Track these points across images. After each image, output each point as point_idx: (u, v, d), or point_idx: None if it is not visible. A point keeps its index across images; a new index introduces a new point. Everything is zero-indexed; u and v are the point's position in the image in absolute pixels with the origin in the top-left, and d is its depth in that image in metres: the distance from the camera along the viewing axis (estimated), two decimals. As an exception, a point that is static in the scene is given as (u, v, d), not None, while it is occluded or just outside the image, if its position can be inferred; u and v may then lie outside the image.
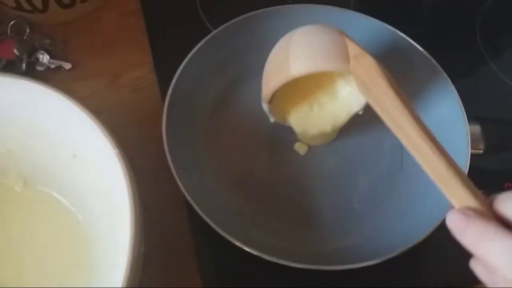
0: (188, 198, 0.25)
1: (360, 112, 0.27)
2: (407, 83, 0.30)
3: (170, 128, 0.28)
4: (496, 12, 0.39)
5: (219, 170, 0.30)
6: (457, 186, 0.19)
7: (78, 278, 0.24)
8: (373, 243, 0.27)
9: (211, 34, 0.31)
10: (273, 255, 0.24)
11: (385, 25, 0.32)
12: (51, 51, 0.33)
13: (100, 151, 0.22)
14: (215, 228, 0.25)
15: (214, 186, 0.29)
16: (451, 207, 0.19)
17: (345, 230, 0.29)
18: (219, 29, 0.31)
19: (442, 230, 0.24)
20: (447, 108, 0.30)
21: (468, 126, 0.28)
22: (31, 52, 0.33)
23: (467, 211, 0.18)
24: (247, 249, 0.24)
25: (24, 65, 0.33)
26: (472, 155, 0.28)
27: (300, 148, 0.31)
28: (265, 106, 0.27)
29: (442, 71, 0.30)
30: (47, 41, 0.34)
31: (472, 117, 0.29)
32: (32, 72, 0.33)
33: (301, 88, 0.27)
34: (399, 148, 0.21)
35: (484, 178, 0.31)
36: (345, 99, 0.28)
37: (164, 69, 0.33)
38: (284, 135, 0.31)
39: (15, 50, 0.33)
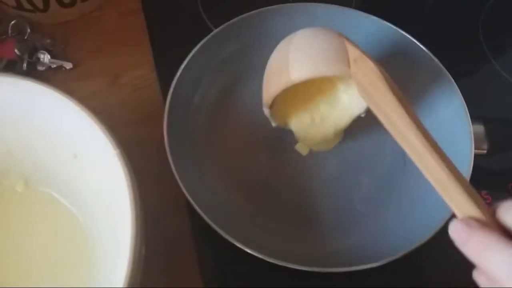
0: (189, 198, 0.25)
1: (362, 115, 0.27)
2: (410, 83, 0.30)
3: (171, 128, 0.27)
4: (499, 10, 0.39)
5: (220, 170, 0.30)
6: (459, 194, 0.18)
7: (78, 278, 0.24)
8: (374, 244, 0.27)
9: (212, 33, 0.31)
10: (274, 257, 0.24)
11: (388, 24, 0.32)
12: (52, 51, 0.33)
13: (101, 151, 0.21)
14: (216, 229, 0.24)
15: (215, 186, 0.29)
16: (453, 214, 0.19)
17: (346, 231, 0.28)
18: (220, 28, 0.31)
19: (442, 231, 0.24)
20: (451, 108, 0.29)
21: (471, 126, 0.28)
22: (32, 52, 0.33)
23: (469, 221, 0.17)
24: (247, 250, 0.24)
25: (25, 65, 0.33)
26: (475, 155, 0.27)
27: (301, 149, 0.31)
28: (266, 111, 0.27)
29: (446, 71, 0.30)
30: (48, 40, 0.34)
31: (475, 117, 0.29)
32: (33, 72, 0.33)
33: (302, 92, 0.27)
34: (401, 149, 0.21)
35: (488, 178, 0.31)
36: (346, 103, 0.28)
37: (165, 68, 0.33)
38: (285, 135, 0.31)
39: (16, 50, 0.33)
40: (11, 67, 0.33)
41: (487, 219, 0.18)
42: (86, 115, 0.22)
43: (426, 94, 0.31)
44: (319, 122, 0.29)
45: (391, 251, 0.25)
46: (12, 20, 0.33)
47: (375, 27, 0.32)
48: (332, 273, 0.24)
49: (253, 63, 0.31)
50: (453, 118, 0.29)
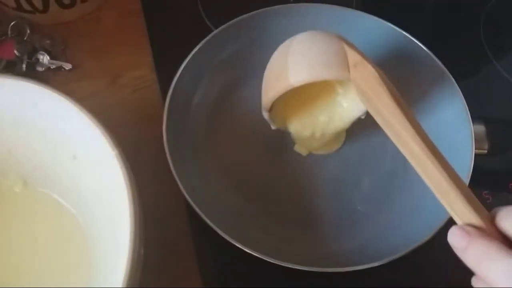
0: (188, 198, 0.25)
1: (362, 117, 0.27)
2: (411, 83, 0.30)
3: (170, 129, 0.27)
4: (501, 11, 0.38)
5: (219, 170, 0.30)
6: (458, 201, 0.18)
7: (78, 278, 0.24)
8: (375, 244, 0.27)
9: (212, 33, 0.31)
10: (274, 257, 0.24)
11: (389, 24, 0.32)
12: (51, 52, 0.33)
13: (100, 152, 0.21)
14: (215, 229, 0.24)
15: (215, 186, 0.29)
16: (451, 220, 0.19)
17: (346, 231, 0.28)
18: (220, 28, 0.31)
19: (442, 232, 0.24)
20: (452, 108, 0.29)
21: (472, 126, 0.28)
22: (31, 53, 0.33)
23: (469, 228, 0.17)
24: (247, 250, 0.24)
25: (24, 65, 0.33)
26: (476, 155, 0.27)
27: (301, 149, 0.31)
28: (265, 115, 0.27)
29: (447, 71, 0.30)
30: (47, 41, 0.34)
31: (476, 117, 0.29)
32: (32, 73, 0.33)
33: (302, 95, 0.27)
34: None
35: (489, 178, 0.31)
36: (345, 106, 0.28)
37: (164, 69, 0.33)
38: (285, 135, 0.31)
39: (15, 51, 0.33)
40: (11, 68, 0.33)
41: (487, 226, 0.17)
42: (85, 116, 0.22)
43: (427, 94, 0.31)
44: (318, 117, 0.29)
45: (391, 251, 0.25)
46: (12, 21, 0.33)
47: (376, 28, 0.32)
48: (332, 273, 0.24)
49: (253, 63, 0.31)
50: (454, 118, 0.29)
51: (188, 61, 0.30)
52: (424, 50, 0.31)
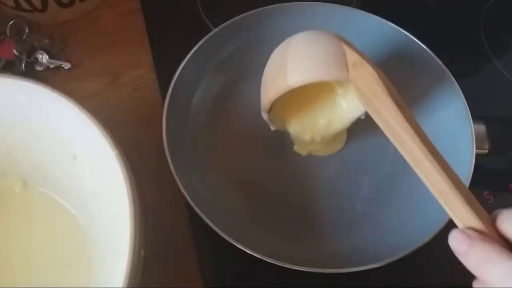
0: (188, 198, 0.25)
1: (362, 117, 0.27)
2: (411, 83, 0.30)
3: (170, 128, 0.27)
4: (501, 9, 0.38)
5: (219, 170, 0.30)
6: (459, 203, 0.18)
7: (78, 279, 0.24)
8: (375, 245, 0.27)
9: (211, 33, 0.31)
10: (274, 257, 0.24)
11: (389, 23, 0.31)
12: (50, 51, 0.33)
13: (100, 152, 0.21)
14: (216, 230, 0.24)
15: (215, 186, 0.29)
16: (451, 221, 0.19)
17: (346, 231, 0.28)
18: (219, 27, 0.31)
19: (442, 232, 0.24)
20: (452, 108, 0.29)
21: (472, 125, 0.28)
22: (30, 52, 0.33)
23: (469, 231, 0.17)
24: (247, 250, 0.24)
25: (23, 65, 0.33)
26: (477, 155, 0.27)
27: (300, 150, 0.31)
28: (264, 116, 0.27)
29: (447, 71, 0.30)
30: (46, 41, 0.34)
31: (476, 117, 0.29)
32: (31, 72, 0.33)
33: (301, 95, 0.27)
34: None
35: (489, 178, 0.31)
36: (344, 107, 0.28)
37: (164, 68, 0.33)
38: (285, 135, 0.30)
39: (14, 50, 0.32)
40: (10, 67, 0.33)
41: (488, 229, 0.17)
42: (84, 116, 0.22)
43: (427, 93, 0.31)
44: (317, 117, 0.29)
45: (392, 252, 0.24)
46: (11, 20, 0.33)
47: (376, 27, 0.32)
48: (331, 273, 0.24)
49: (252, 62, 0.31)
50: (454, 118, 0.29)
51: (188, 60, 0.30)
52: (424, 49, 0.31)
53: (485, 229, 0.17)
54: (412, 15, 0.38)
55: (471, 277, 0.17)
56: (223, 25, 0.31)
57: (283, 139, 0.31)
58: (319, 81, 0.23)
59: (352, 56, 0.23)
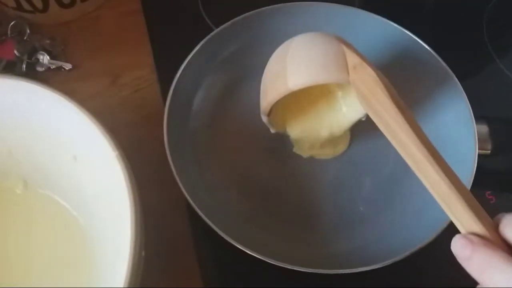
0: (189, 199, 0.25)
1: (363, 119, 0.27)
2: (413, 83, 0.30)
3: (171, 129, 0.27)
4: (504, 9, 0.38)
5: (220, 171, 0.30)
6: (461, 208, 0.18)
7: (78, 280, 0.24)
8: (376, 246, 0.27)
9: (213, 33, 0.31)
10: (275, 258, 0.24)
11: (391, 23, 0.31)
12: (52, 52, 0.33)
13: (101, 153, 0.21)
14: (216, 230, 0.24)
15: (215, 187, 0.29)
16: (452, 223, 0.18)
17: (347, 232, 0.28)
18: (220, 28, 0.31)
19: (443, 234, 0.24)
20: (455, 109, 0.29)
21: (475, 126, 0.28)
22: (31, 53, 0.33)
23: (472, 237, 0.17)
24: (247, 251, 0.24)
25: (24, 65, 0.33)
26: (479, 155, 0.27)
27: (300, 151, 0.31)
28: (264, 119, 0.27)
29: (450, 71, 0.29)
30: (48, 41, 0.34)
31: (479, 117, 0.29)
32: (32, 73, 0.33)
33: (301, 97, 0.27)
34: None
35: (492, 179, 0.31)
36: (345, 108, 0.28)
37: (165, 69, 0.33)
38: (286, 136, 0.30)
39: (15, 51, 0.32)
40: (11, 68, 0.33)
41: (490, 234, 0.17)
42: (85, 116, 0.22)
43: (429, 93, 0.30)
44: (317, 119, 0.28)
45: (392, 253, 0.24)
46: (12, 21, 0.33)
47: (378, 27, 0.31)
48: (332, 274, 0.24)
49: (254, 63, 0.31)
50: (457, 118, 0.29)
51: (189, 60, 0.30)
52: (427, 49, 0.30)
53: (487, 234, 0.17)
54: (415, 15, 0.38)
55: (471, 278, 0.17)
56: (224, 25, 0.31)
57: (284, 140, 0.31)
58: (319, 84, 0.23)
59: (352, 58, 0.22)
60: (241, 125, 0.31)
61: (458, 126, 0.29)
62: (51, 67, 0.33)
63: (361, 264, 0.24)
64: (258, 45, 0.31)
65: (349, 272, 0.24)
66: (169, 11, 0.37)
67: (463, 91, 0.29)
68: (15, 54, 0.32)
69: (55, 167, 0.25)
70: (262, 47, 0.29)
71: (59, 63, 0.33)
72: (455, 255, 0.17)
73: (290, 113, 0.29)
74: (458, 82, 0.29)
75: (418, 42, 0.31)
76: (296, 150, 0.31)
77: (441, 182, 0.19)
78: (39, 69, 0.33)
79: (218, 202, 0.28)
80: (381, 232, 0.28)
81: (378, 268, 0.24)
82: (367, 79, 0.22)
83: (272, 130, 0.28)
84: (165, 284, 0.26)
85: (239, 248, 0.24)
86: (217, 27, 0.31)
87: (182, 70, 0.29)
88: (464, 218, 0.18)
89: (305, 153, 0.31)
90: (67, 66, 0.33)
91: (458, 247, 0.17)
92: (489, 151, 0.30)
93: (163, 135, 0.27)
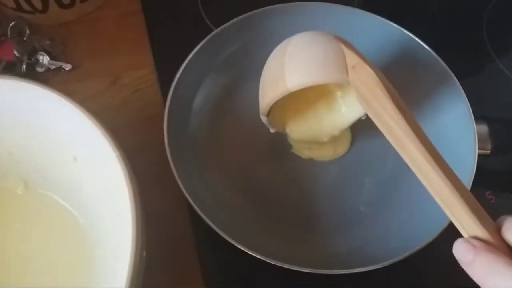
0: (190, 199, 0.25)
1: (363, 118, 0.27)
2: (413, 83, 0.30)
3: (171, 129, 0.27)
4: (503, 9, 0.38)
5: (220, 171, 0.30)
6: (462, 210, 0.18)
7: (79, 281, 0.24)
8: (376, 246, 0.27)
9: (213, 33, 0.31)
10: (275, 258, 0.24)
11: (391, 23, 0.31)
12: (51, 52, 0.33)
13: (101, 153, 0.21)
14: (217, 231, 0.24)
15: (216, 187, 0.29)
16: (452, 224, 0.18)
17: (347, 233, 0.28)
18: (220, 28, 0.31)
19: (443, 235, 0.24)
20: (455, 109, 0.29)
21: (475, 126, 0.28)
22: (31, 53, 0.33)
23: (474, 241, 0.17)
24: (248, 251, 0.24)
25: (24, 66, 0.33)
26: (479, 155, 0.27)
27: (299, 152, 0.31)
28: (263, 119, 0.27)
29: (450, 71, 0.29)
30: (47, 42, 0.34)
31: (479, 117, 0.29)
32: (32, 74, 0.33)
33: (300, 97, 0.27)
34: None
35: (491, 179, 0.31)
36: (344, 108, 0.27)
37: (165, 69, 0.33)
38: (286, 137, 0.30)
39: (15, 51, 0.32)
40: (10, 69, 0.33)
41: (493, 237, 0.17)
42: (85, 117, 0.22)
43: (429, 94, 0.30)
44: (316, 119, 0.28)
45: (392, 254, 0.24)
46: (11, 22, 0.33)
47: (378, 27, 0.31)
48: (332, 274, 0.24)
49: (254, 63, 0.30)
50: (456, 118, 0.29)
51: (189, 61, 0.30)
52: (427, 49, 0.30)
53: (490, 238, 0.17)
54: (414, 15, 0.38)
55: (470, 280, 0.17)
56: (224, 25, 0.31)
57: (284, 140, 0.31)
58: (318, 84, 0.23)
59: (351, 58, 0.22)
60: (242, 125, 0.31)
61: (458, 126, 0.29)
62: (51, 68, 0.33)
63: (361, 265, 0.24)
64: (258, 45, 0.31)
65: (349, 272, 0.24)
66: (169, 11, 0.37)
67: (463, 91, 0.29)
68: (15, 55, 0.32)
69: (55, 168, 0.25)
70: (262, 47, 0.29)
71: (59, 64, 0.33)
72: (457, 259, 0.17)
73: (289, 113, 0.28)
74: (458, 82, 0.29)
75: (418, 42, 0.31)
76: (294, 150, 0.31)
77: (442, 184, 0.18)
78: (39, 69, 0.33)
79: (219, 202, 0.28)
80: (381, 232, 0.28)
81: (378, 269, 0.24)
82: (366, 79, 0.22)
83: (272, 130, 0.28)
84: (166, 284, 0.26)
85: (240, 249, 0.24)
86: (217, 27, 0.31)
87: (182, 70, 0.29)
88: (466, 221, 0.18)
89: (303, 155, 0.31)
90: (67, 66, 0.33)
91: (460, 251, 0.17)
92: (489, 151, 0.30)
93: (163, 135, 0.27)
